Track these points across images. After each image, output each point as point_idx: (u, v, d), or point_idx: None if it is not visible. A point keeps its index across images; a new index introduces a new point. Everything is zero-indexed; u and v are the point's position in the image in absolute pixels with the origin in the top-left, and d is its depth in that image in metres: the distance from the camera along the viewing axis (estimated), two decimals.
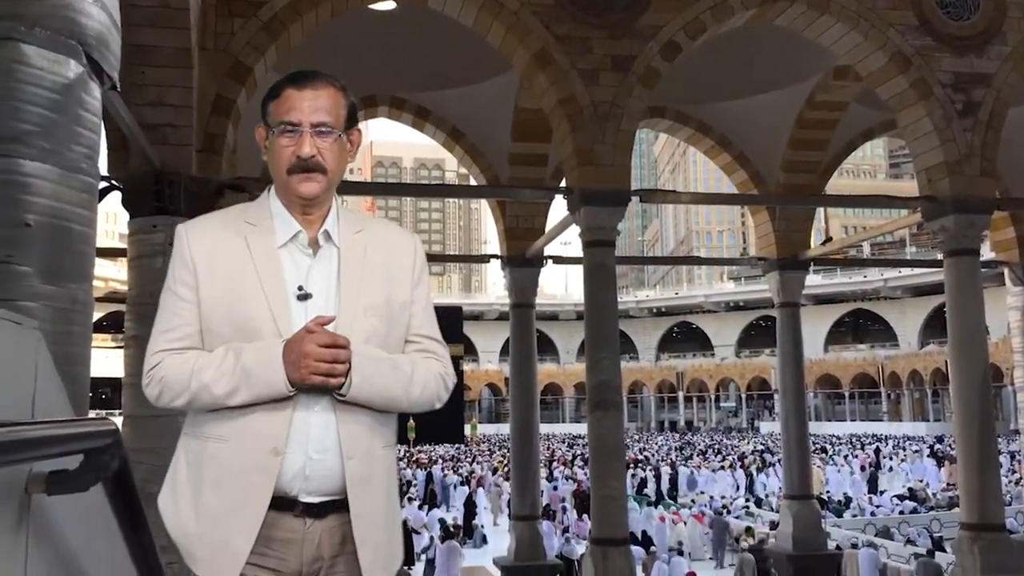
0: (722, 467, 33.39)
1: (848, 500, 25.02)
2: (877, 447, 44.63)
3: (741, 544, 18.94)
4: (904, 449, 42.92)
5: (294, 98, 1.81)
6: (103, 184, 7.11)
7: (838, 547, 15.57)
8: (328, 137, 1.81)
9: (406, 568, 16.87)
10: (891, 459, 37.80)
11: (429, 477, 30.00)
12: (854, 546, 16.39)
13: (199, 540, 1.70)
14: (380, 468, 1.81)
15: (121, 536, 1.40)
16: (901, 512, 22.52)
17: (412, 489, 27.99)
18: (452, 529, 19.79)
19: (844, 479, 30.65)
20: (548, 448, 43.47)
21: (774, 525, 19.45)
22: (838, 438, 52.75)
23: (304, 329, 1.68)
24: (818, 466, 32.34)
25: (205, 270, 1.78)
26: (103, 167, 6.31)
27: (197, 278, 1.78)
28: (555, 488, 26.94)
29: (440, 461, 35.75)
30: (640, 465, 34.56)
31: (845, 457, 37.49)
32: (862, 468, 34.47)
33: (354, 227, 1.90)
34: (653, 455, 41.17)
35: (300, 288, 1.78)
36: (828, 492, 27.12)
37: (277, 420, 1.72)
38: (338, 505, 1.75)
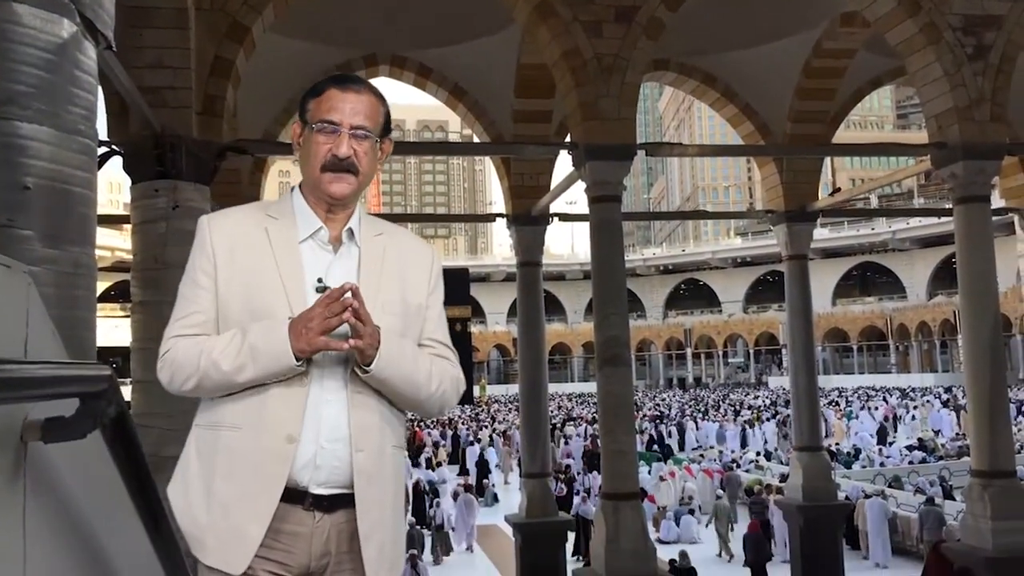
0: (747, 421, 33.71)
1: (857, 452, 25.17)
2: (884, 398, 44.92)
3: (716, 492, 19.14)
4: (912, 400, 43.17)
5: (336, 98, 1.84)
6: (104, 149, 7.05)
7: (847, 498, 15.70)
8: (365, 141, 1.85)
9: (412, 520, 17.07)
10: (905, 410, 38.13)
11: (456, 439, 30.19)
12: (867, 496, 16.53)
13: (211, 530, 1.71)
14: (389, 467, 1.82)
15: (123, 485, 1.38)
16: (911, 462, 22.66)
17: (441, 451, 28.19)
18: (465, 488, 20.11)
19: (867, 429, 31.07)
20: (560, 407, 43.82)
21: (783, 478, 19.65)
22: (839, 391, 52.67)
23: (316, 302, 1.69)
24: (838, 418, 32.86)
25: (225, 259, 1.79)
26: (103, 132, 6.25)
27: (216, 267, 1.79)
28: (565, 443, 27.27)
29: (462, 423, 36.06)
30: (664, 421, 34.92)
31: (866, 409, 37.91)
32: (885, 419, 35.10)
33: (374, 230, 1.92)
34: (671, 410, 41.49)
35: (319, 281, 1.79)
36: (838, 444, 27.31)
37: (291, 407, 1.72)
38: (348, 500, 1.75)
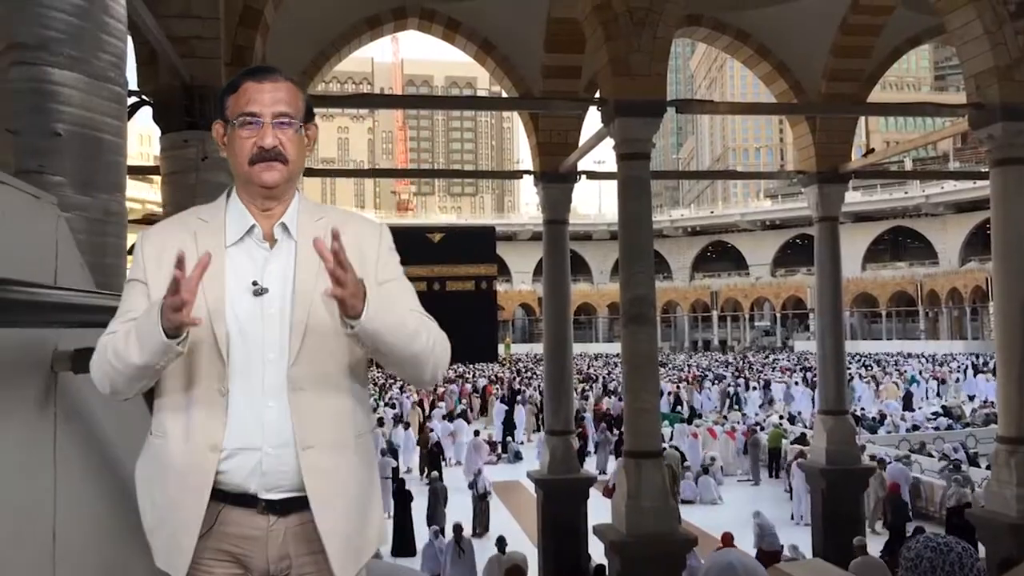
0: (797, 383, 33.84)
1: (883, 417, 25.06)
2: (941, 362, 44.96)
3: (665, 445, 19.18)
4: (941, 366, 42.91)
5: (253, 90, 1.81)
6: (134, 99, 7.07)
7: (873, 458, 15.64)
8: (289, 129, 1.82)
9: (435, 475, 17.18)
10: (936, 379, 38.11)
11: (512, 391, 30.50)
12: (878, 460, 16.48)
13: (154, 534, 1.74)
14: (352, 458, 1.79)
15: (151, 415, 1.39)
16: (936, 428, 22.52)
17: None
18: (475, 433, 20.37)
19: (920, 393, 31.22)
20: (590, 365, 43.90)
21: (798, 440, 19.76)
22: (854, 356, 52.04)
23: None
24: (894, 381, 33.11)
25: (154, 270, 1.77)
26: (132, 82, 6.26)
27: (147, 277, 1.78)
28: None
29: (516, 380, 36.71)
30: (718, 381, 35.08)
31: (920, 372, 38.02)
32: (943, 382, 35.75)
33: (315, 215, 1.87)
34: (715, 372, 41.48)
35: (255, 283, 1.75)
36: (863, 409, 27.20)
37: (213, 416, 1.71)
38: (303, 502, 1.74)
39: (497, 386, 34.63)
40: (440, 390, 33.57)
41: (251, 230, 1.81)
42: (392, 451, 19.66)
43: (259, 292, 1.74)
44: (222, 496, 1.71)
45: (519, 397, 30.09)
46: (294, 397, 1.72)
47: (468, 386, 35.84)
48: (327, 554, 1.73)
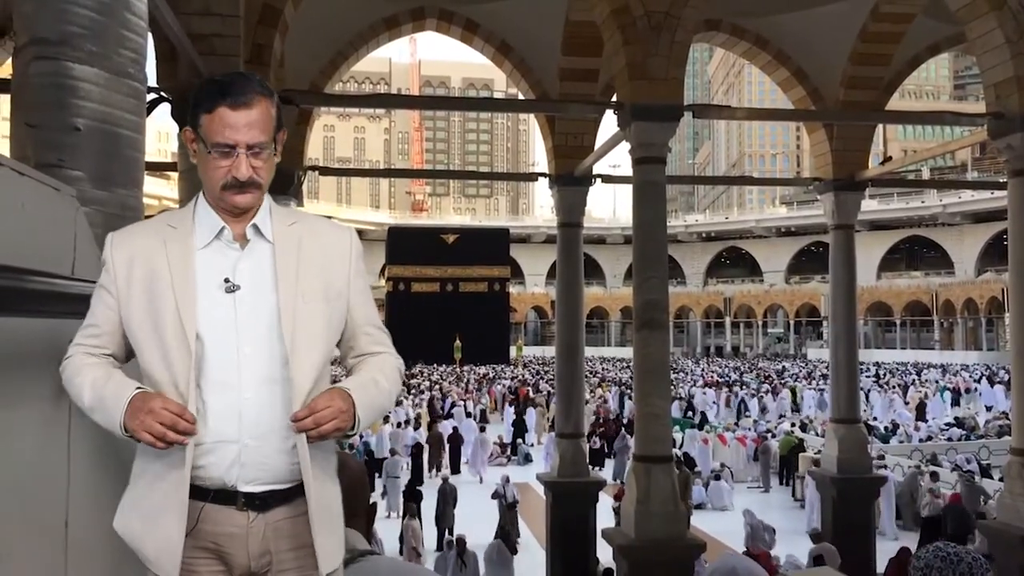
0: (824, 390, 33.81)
1: (895, 427, 24.91)
2: (956, 372, 44.70)
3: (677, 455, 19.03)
4: (955, 376, 42.63)
5: (229, 117, 1.80)
6: (153, 96, 7.12)
7: (885, 467, 15.56)
8: (263, 154, 1.83)
9: (446, 475, 17.17)
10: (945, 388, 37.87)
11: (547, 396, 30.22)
12: (930, 473, 16.39)
13: (145, 539, 1.73)
14: (319, 453, 1.82)
15: None
16: (948, 439, 22.37)
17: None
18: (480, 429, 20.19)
19: (937, 405, 31.12)
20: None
21: (797, 447, 19.67)
22: (874, 365, 51.92)
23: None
24: (919, 391, 33.06)
25: (124, 276, 1.80)
26: (152, 79, 6.31)
27: (116, 284, 1.80)
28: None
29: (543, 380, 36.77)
30: (743, 387, 34.88)
31: (936, 383, 37.83)
32: (967, 390, 35.65)
33: (287, 220, 1.90)
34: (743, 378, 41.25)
35: (227, 280, 1.78)
36: (875, 418, 27.05)
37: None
38: (282, 497, 1.77)
39: (529, 388, 34.60)
40: (470, 390, 33.70)
41: (221, 232, 1.83)
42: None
43: (231, 289, 1.77)
44: (203, 494, 1.72)
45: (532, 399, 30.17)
46: (280, 393, 1.75)
47: (497, 388, 35.84)
48: (314, 544, 1.75)
